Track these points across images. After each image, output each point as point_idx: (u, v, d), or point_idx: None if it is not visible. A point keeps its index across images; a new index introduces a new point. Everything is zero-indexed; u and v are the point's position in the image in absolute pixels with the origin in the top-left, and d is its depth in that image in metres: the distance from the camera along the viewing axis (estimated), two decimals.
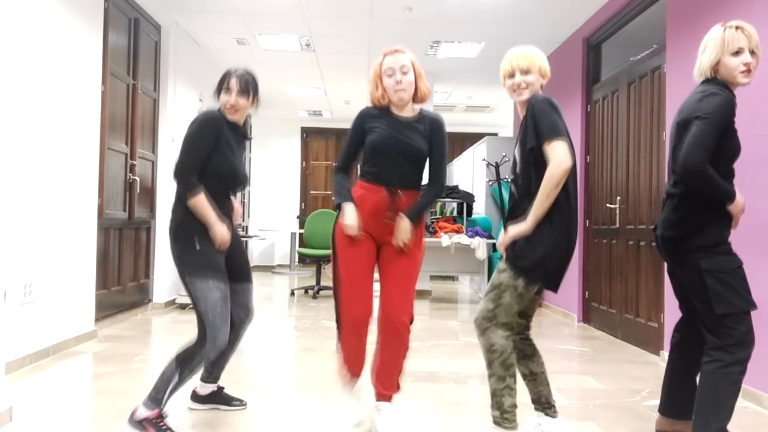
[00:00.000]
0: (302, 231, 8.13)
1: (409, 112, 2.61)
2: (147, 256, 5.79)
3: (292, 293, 7.53)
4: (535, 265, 2.22)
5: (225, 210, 2.62)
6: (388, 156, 2.53)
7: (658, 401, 3.14)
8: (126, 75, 5.11)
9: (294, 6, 5.59)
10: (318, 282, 7.32)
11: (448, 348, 4.47)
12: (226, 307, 2.49)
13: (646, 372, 3.86)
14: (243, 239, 9.01)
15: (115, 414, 2.77)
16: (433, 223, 7.24)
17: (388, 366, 2.57)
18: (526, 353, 2.46)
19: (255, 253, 11.13)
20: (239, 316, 2.72)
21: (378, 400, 2.59)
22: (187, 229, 2.49)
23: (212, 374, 2.87)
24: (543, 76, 2.34)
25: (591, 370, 3.87)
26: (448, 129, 12.16)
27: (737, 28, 2.24)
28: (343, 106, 10.02)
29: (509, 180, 2.45)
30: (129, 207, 5.26)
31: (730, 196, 2.23)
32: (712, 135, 2.15)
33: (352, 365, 2.60)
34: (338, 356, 2.62)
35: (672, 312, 3.84)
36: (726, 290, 2.20)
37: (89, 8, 4.28)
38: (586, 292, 5.67)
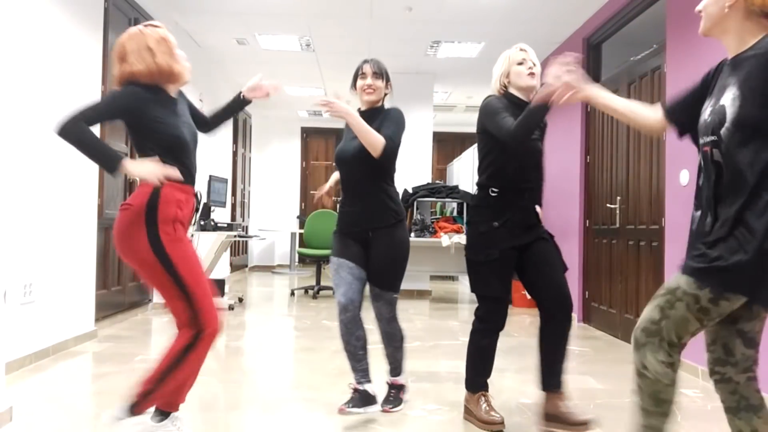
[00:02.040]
0: (302, 231, 8.14)
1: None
2: None
3: (292, 293, 7.53)
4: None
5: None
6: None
7: None
8: None
9: (294, 6, 5.59)
10: (318, 282, 7.32)
11: (448, 348, 4.47)
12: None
13: None
14: (244, 239, 9.00)
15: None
16: (433, 223, 7.24)
17: (197, 372, 2.31)
18: (752, 403, 1.71)
19: (255, 253, 11.14)
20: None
21: (170, 412, 2.32)
22: None
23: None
24: None
25: (591, 370, 3.87)
26: (448, 129, 12.07)
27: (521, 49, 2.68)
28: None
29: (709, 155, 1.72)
30: None
31: (534, 114, 2.49)
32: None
33: (185, 390, 2.27)
34: (170, 381, 2.16)
35: None
36: (476, 278, 2.74)
37: (89, 8, 4.28)
38: (586, 292, 5.67)
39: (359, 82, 2.79)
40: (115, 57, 2.24)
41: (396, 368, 2.92)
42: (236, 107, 2.63)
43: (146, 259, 2.12)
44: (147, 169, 2.14)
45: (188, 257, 2.16)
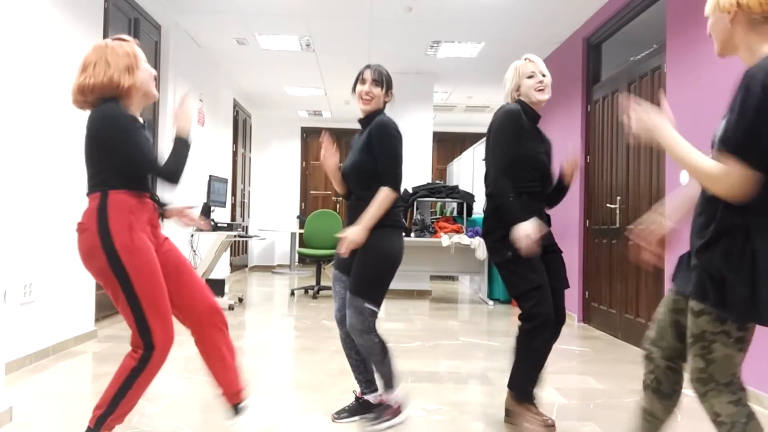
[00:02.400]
0: (302, 231, 8.14)
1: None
2: None
3: (292, 293, 7.53)
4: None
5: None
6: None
7: None
8: None
9: (294, 6, 5.59)
10: (318, 282, 7.32)
11: (448, 348, 4.47)
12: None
13: None
14: (244, 239, 9.00)
15: None
16: (433, 223, 7.24)
17: (232, 356, 2.35)
18: (662, 390, 1.81)
19: (255, 253, 11.14)
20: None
21: (239, 402, 2.37)
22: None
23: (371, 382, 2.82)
24: (725, 10, 1.61)
25: (591, 370, 3.87)
26: (448, 129, 12.05)
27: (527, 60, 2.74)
28: (343, 106, 10.02)
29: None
30: None
31: (514, 215, 2.55)
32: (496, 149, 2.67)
33: (132, 407, 2.17)
34: (122, 405, 2.08)
35: None
36: (512, 276, 2.63)
37: (89, 8, 4.28)
38: (586, 292, 5.67)
39: (358, 87, 2.75)
40: (78, 68, 2.16)
41: (385, 383, 2.66)
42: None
43: (106, 272, 2.05)
44: (189, 118, 2.33)
45: (147, 271, 2.07)
